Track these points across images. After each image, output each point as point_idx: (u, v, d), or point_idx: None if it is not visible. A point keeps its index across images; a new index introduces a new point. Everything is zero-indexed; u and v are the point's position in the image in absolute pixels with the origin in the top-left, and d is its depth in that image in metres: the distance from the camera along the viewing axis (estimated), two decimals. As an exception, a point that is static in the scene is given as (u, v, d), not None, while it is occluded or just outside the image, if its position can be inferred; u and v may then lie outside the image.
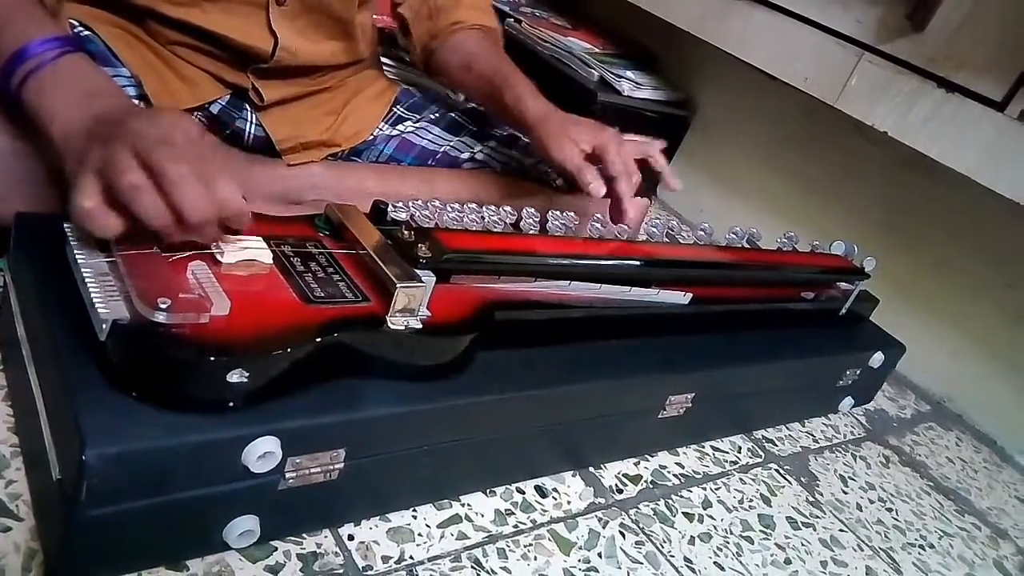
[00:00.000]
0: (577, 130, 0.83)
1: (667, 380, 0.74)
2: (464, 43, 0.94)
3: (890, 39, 1.05)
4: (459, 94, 1.07)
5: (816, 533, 0.79)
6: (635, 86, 1.41)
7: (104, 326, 0.45)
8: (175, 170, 0.47)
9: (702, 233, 0.86)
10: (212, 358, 0.45)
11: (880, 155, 1.25)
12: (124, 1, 0.72)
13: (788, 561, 0.74)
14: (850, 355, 0.97)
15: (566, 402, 0.66)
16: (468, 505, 0.65)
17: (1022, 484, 1.08)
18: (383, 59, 1.08)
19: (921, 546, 0.85)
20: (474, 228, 0.67)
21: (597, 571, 0.64)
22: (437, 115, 0.96)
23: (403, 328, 0.54)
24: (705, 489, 0.79)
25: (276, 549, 0.54)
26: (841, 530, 0.81)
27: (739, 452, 0.87)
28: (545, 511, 0.67)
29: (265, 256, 0.53)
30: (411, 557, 0.58)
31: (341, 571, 0.55)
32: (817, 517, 0.82)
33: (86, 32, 0.72)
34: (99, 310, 0.45)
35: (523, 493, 0.68)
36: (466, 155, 0.96)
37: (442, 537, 0.61)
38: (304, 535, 0.56)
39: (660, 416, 0.75)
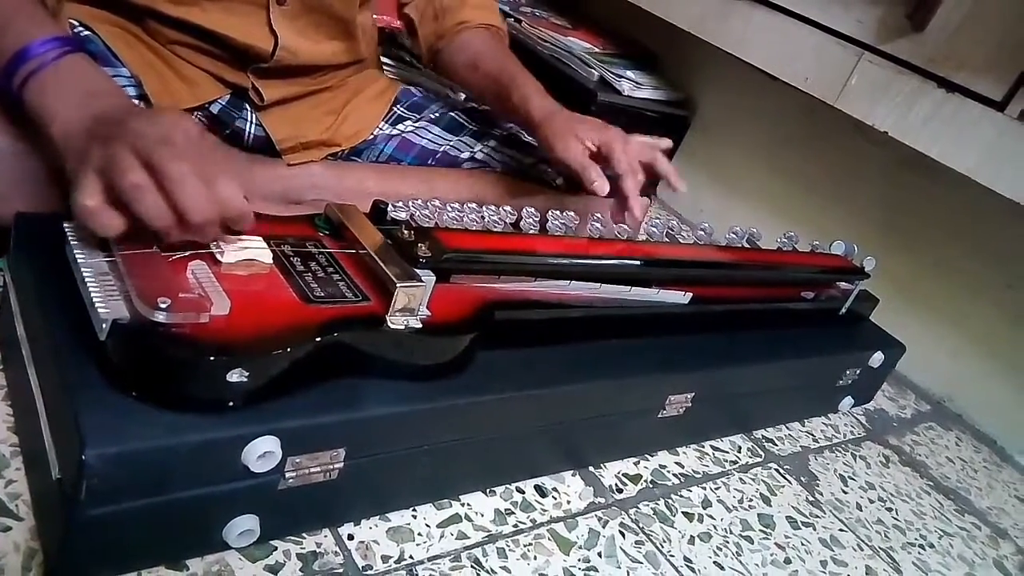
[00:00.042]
0: (583, 128, 0.83)
1: (667, 380, 0.74)
2: (470, 42, 0.95)
3: (890, 39, 1.05)
4: (459, 93, 1.07)
5: (816, 533, 0.79)
6: (635, 86, 1.41)
7: (104, 326, 0.45)
8: (176, 169, 0.47)
9: (702, 233, 0.86)
10: (212, 358, 0.45)
11: (880, 155, 1.25)
12: (124, 1, 0.72)
13: (788, 561, 0.74)
14: (850, 355, 0.97)
15: (566, 402, 0.66)
16: (468, 505, 0.65)
17: (1022, 484, 1.08)
18: (383, 59, 1.08)
19: (921, 546, 0.85)
20: (474, 228, 0.67)
21: (597, 571, 0.64)
22: (437, 114, 0.96)
23: (403, 328, 0.54)
24: (705, 489, 0.79)
25: (276, 549, 0.54)
26: (841, 530, 0.81)
27: (739, 452, 0.87)
28: (545, 511, 0.67)
29: (265, 256, 0.53)
30: (411, 557, 0.58)
31: (341, 571, 0.55)
32: (817, 517, 0.82)
33: (86, 32, 0.72)
34: (99, 310, 0.45)
35: (523, 493, 0.68)
36: (466, 155, 0.96)
37: (442, 537, 0.61)
38: (304, 535, 0.56)
39: (660, 416, 0.75)
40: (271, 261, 0.54)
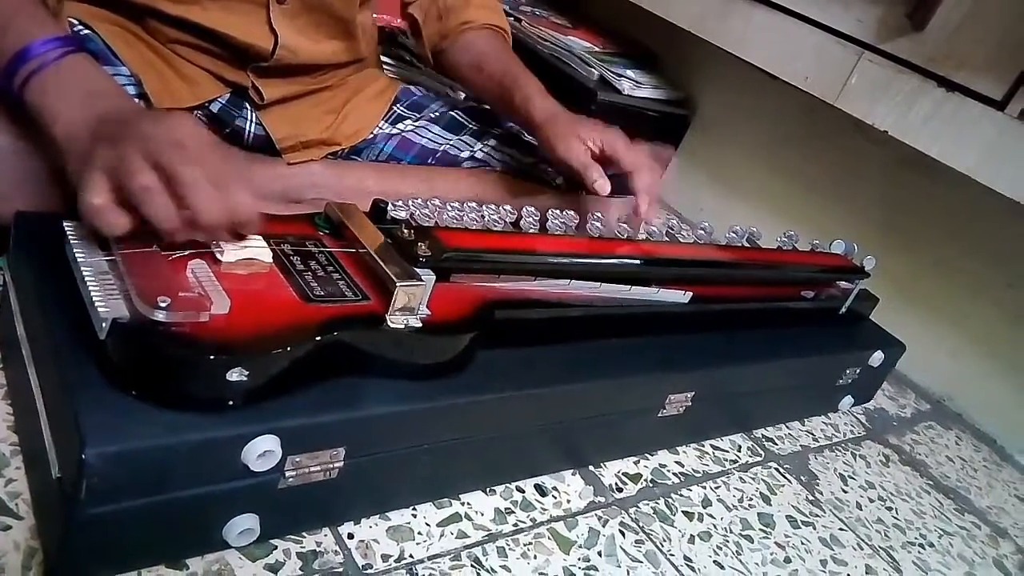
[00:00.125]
0: (584, 129, 0.84)
1: (667, 379, 0.74)
2: (474, 43, 0.95)
3: (890, 38, 1.05)
4: (459, 92, 1.07)
5: (816, 532, 0.79)
6: (635, 85, 1.41)
7: (104, 325, 0.45)
8: (189, 173, 0.47)
9: (702, 232, 0.86)
10: (212, 357, 0.45)
11: (880, 154, 1.25)
12: None
13: (788, 560, 0.74)
14: (850, 354, 0.97)
15: (566, 401, 0.66)
16: (468, 504, 0.65)
17: (1022, 483, 1.08)
18: (383, 58, 1.08)
19: (921, 545, 0.85)
20: (474, 227, 0.67)
21: (597, 570, 0.64)
22: (437, 114, 0.96)
23: (403, 327, 0.54)
24: (705, 488, 0.79)
25: (276, 548, 0.54)
26: (841, 529, 0.81)
27: (739, 451, 0.87)
28: (545, 510, 0.67)
29: (265, 255, 0.53)
30: (411, 556, 0.58)
31: (341, 570, 0.55)
32: (817, 516, 0.82)
33: (85, 31, 0.72)
34: (99, 309, 0.45)
35: (523, 492, 0.68)
36: (466, 154, 0.96)
37: (442, 536, 0.61)
38: (304, 534, 0.56)
39: (660, 415, 0.75)
40: (271, 260, 0.54)
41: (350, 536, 0.57)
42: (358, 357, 0.53)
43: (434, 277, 0.57)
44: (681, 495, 0.76)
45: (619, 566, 0.65)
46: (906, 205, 1.24)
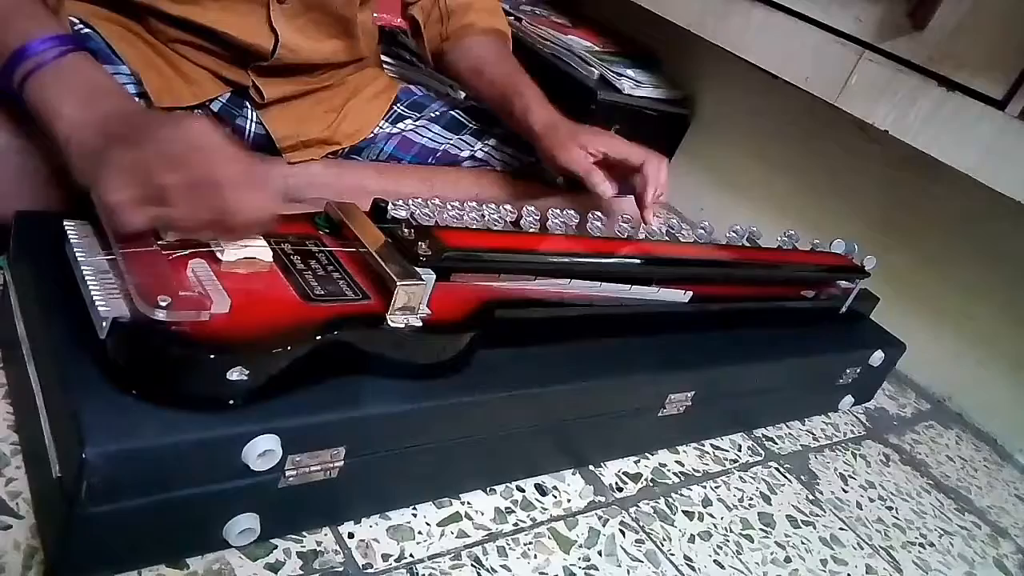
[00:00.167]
0: (584, 137, 0.85)
1: (667, 378, 0.74)
2: (475, 47, 0.95)
3: (890, 37, 1.05)
4: (459, 91, 1.07)
5: (816, 531, 0.79)
6: (635, 84, 1.41)
7: (104, 324, 0.45)
8: (220, 174, 0.48)
9: (702, 231, 0.86)
10: (212, 356, 0.45)
11: (880, 154, 1.25)
12: (124, -1, 0.72)
13: (788, 559, 0.74)
14: (850, 353, 0.97)
15: (566, 400, 0.66)
16: (468, 503, 0.65)
17: (1022, 482, 1.08)
18: (383, 57, 1.08)
19: (921, 544, 0.85)
20: (474, 226, 0.67)
21: (597, 569, 0.64)
22: (437, 113, 0.96)
23: (403, 326, 0.54)
24: (705, 487, 0.79)
25: (276, 547, 0.54)
26: (841, 528, 0.81)
27: (739, 450, 0.87)
28: (545, 509, 0.67)
29: (265, 254, 0.53)
30: (411, 555, 0.58)
31: (341, 569, 0.55)
32: (817, 515, 0.82)
33: (86, 30, 0.72)
34: (99, 308, 0.45)
35: (523, 491, 0.68)
36: (466, 153, 0.96)
37: (442, 535, 0.61)
38: (304, 533, 0.56)
39: (660, 414, 0.75)
40: (271, 259, 0.54)
41: (350, 536, 0.57)
42: (358, 356, 0.53)
43: (434, 276, 0.57)
44: (681, 495, 0.76)
45: (619, 566, 0.65)
46: (906, 205, 1.24)
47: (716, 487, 0.79)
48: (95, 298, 0.46)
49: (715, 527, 0.74)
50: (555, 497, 0.69)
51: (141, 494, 0.45)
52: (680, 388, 0.75)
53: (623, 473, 0.76)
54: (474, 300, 0.61)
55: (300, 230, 0.60)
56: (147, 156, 0.48)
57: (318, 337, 0.50)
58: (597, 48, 1.47)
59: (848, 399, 1.03)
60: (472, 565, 0.59)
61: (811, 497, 0.84)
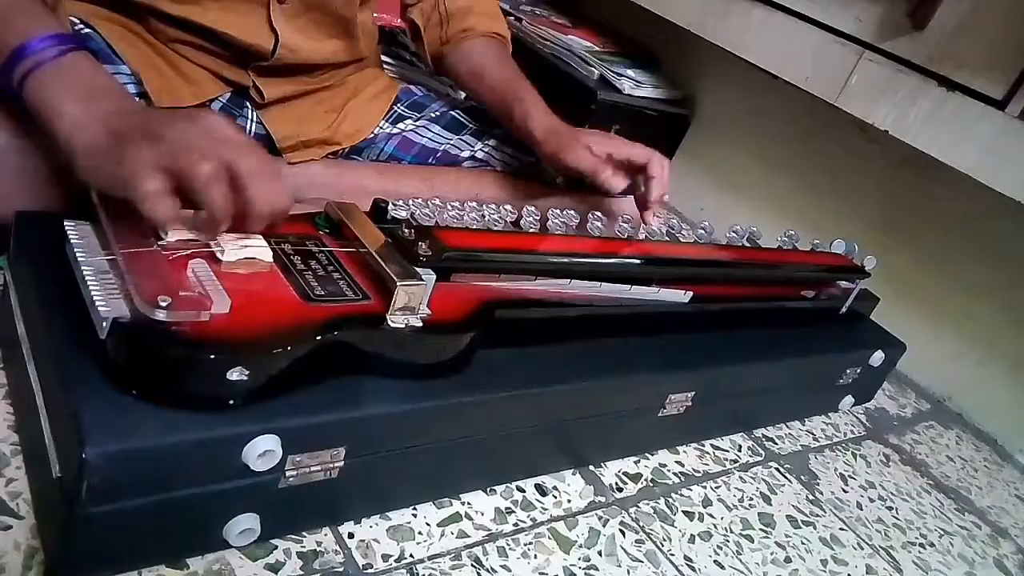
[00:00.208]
0: (587, 139, 0.86)
1: (667, 378, 0.74)
2: (474, 52, 0.95)
3: (890, 37, 1.05)
4: (459, 92, 1.07)
5: (816, 531, 0.79)
6: (635, 84, 1.41)
7: (104, 324, 0.45)
8: (246, 165, 0.49)
9: (702, 231, 0.86)
10: (212, 356, 0.45)
11: (880, 154, 1.25)
12: (124, -2, 0.72)
13: (788, 560, 0.74)
14: (850, 353, 0.97)
15: (566, 400, 0.66)
16: (468, 503, 0.65)
17: (1022, 483, 1.08)
18: (384, 57, 1.08)
19: (921, 544, 0.85)
20: (474, 226, 0.67)
21: (597, 569, 0.64)
22: (438, 113, 0.96)
23: (403, 326, 0.54)
24: (705, 488, 0.79)
25: (276, 547, 0.54)
26: (841, 528, 0.81)
27: (739, 450, 0.87)
28: (545, 509, 0.67)
29: (265, 254, 0.53)
30: (411, 555, 0.58)
31: (341, 569, 0.55)
32: (817, 516, 0.82)
33: (86, 29, 0.72)
34: (99, 308, 0.45)
35: (523, 491, 0.68)
36: (466, 153, 0.96)
37: (442, 535, 0.61)
38: (304, 533, 0.56)
39: (660, 414, 0.75)
40: (271, 259, 0.54)
41: (350, 536, 0.57)
42: (359, 356, 0.53)
43: (435, 276, 0.57)
44: (681, 495, 0.76)
45: (619, 566, 0.65)
46: (906, 205, 1.25)
47: (716, 487, 0.79)
48: (95, 298, 0.46)
49: (715, 527, 0.74)
50: (555, 497, 0.69)
51: (141, 494, 0.45)
52: (680, 388, 0.75)
53: (623, 473, 0.76)
54: (474, 300, 0.61)
55: (300, 230, 0.60)
56: (174, 149, 0.48)
57: (318, 337, 0.50)
58: (597, 48, 1.48)
59: (848, 399, 1.03)
60: (472, 565, 0.59)
61: (811, 497, 0.84)
